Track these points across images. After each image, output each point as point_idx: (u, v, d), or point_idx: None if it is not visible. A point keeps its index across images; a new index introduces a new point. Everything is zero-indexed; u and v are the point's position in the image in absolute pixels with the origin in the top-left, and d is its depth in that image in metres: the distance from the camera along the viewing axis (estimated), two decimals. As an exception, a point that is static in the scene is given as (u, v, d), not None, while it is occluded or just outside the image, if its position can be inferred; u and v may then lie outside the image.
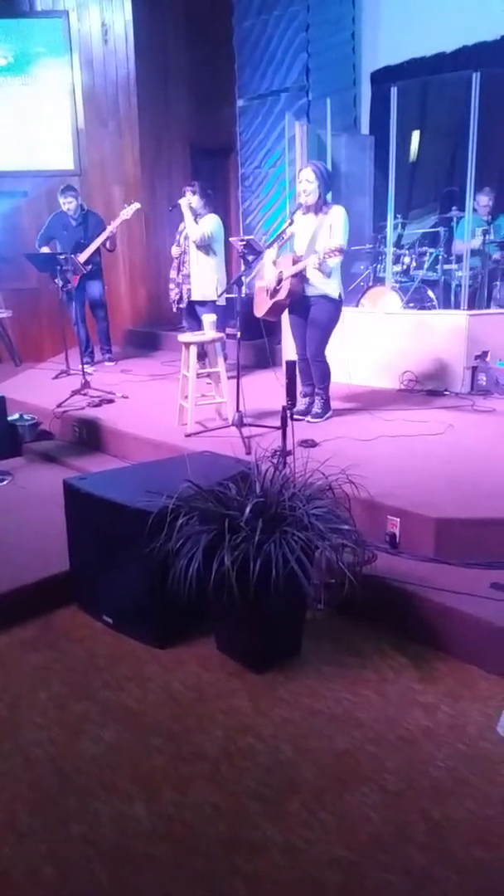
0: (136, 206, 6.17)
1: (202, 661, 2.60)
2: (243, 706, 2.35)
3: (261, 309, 4.51)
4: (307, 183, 4.19)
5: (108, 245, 6.38)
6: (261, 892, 1.68)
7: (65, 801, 1.97)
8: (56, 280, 5.95)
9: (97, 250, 6.36)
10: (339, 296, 4.35)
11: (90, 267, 6.36)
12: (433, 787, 1.99)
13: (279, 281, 4.32)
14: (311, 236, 4.24)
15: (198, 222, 5.58)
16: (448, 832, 1.83)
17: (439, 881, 1.70)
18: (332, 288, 4.30)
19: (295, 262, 4.22)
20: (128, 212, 6.16)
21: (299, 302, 4.35)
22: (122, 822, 1.89)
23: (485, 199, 5.90)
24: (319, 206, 4.23)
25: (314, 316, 4.36)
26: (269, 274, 4.40)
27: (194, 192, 5.59)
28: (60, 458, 4.70)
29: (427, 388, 5.22)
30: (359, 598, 2.40)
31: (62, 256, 5.95)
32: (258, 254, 4.42)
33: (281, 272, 4.30)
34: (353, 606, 2.67)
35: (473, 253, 5.73)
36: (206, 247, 5.63)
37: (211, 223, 5.60)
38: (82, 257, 6.30)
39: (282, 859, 1.77)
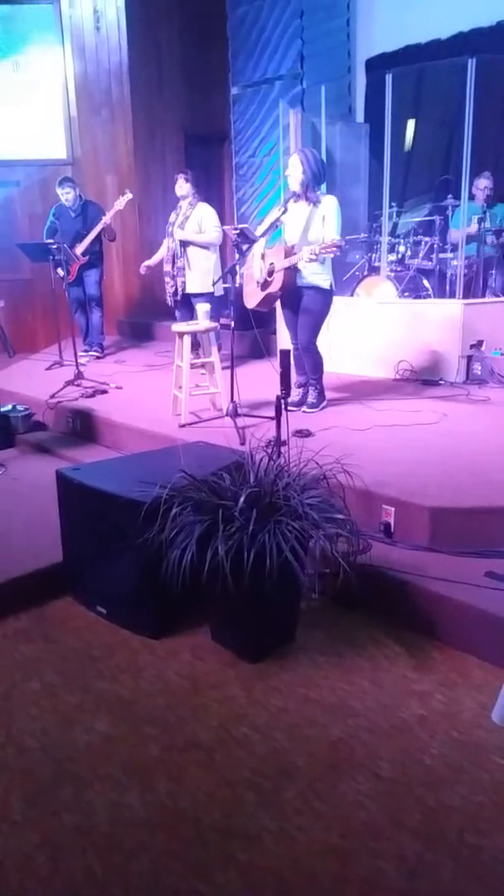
0: (129, 196, 6.14)
1: (196, 651, 2.59)
2: (238, 695, 2.35)
3: (251, 300, 4.48)
4: (292, 167, 4.19)
5: (107, 235, 6.36)
6: (255, 881, 1.68)
7: (58, 790, 1.97)
8: (58, 270, 5.93)
9: (96, 239, 6.33)
10: (330, 286, 4.33)
11: (87, 257, 6.33)
12: (427, 774, 1.99)
13: (271, 273, 4.29)
14: (303, 226, 4.22)
15: (192, 215, 5.52)
16: (442, 819, 1.84)
17: (433, 867, 1.70)
18: (323, 279, 4.27)
19: (287, 253, 4.19)
20: (121, 202, 6.14)
21: (291, 293, 4.33)
22: (116, 812, 1.89)
23: (484, 183, 5.80)
24: (310, 196, 4.19)
25: (305, 306, 4.34)
26: (256, 266, 4.38)
27: (187, 180, 5.56)
28: (54, 449, 4.68)
29: (422, 377, 5.21)
30: (353, 587, 2.40)
31: (55, 246, 5.92)
32: (252, 242, 4.39)
33: (272, 264, 4.27)
34: (348, 595, 2.67)
35: (469, 241, 5.70)
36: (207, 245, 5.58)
37: (213, 222, 5.53)
38: (80, 248, 6.27)
39: (276, 848, 1.77)
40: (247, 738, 2.15)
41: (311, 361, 4.47)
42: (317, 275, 4.23)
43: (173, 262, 5.72)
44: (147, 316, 7.80)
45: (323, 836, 1.80)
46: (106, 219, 6.22)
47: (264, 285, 4.34)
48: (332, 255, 4.10)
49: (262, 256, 4.35)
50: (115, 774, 2.02)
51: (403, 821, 1.84)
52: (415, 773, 1.99)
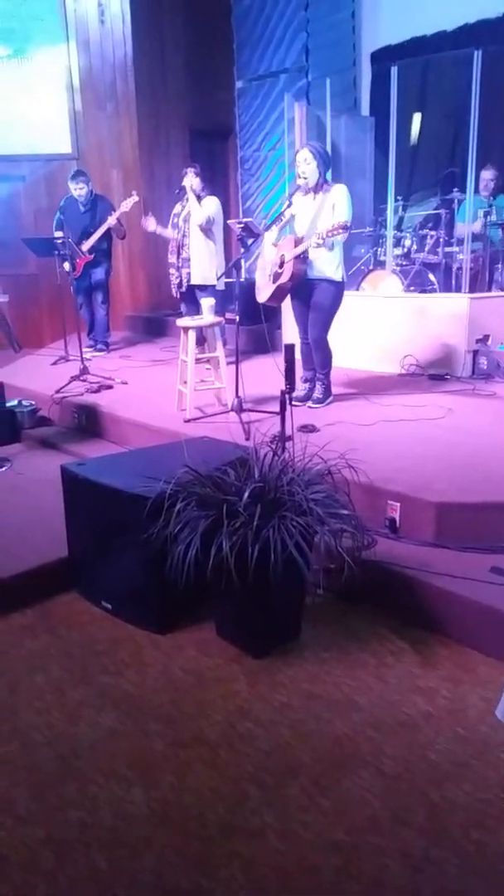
0: (135, 198, 6.09)
1: (201, 647, 2.59)
2: (242, 691, 2.34)
3: (263, 294, 4.45)
4: (305, 164, 4.13)
5: (117, 234, 6.32)
6: (259, 877, 1.68)
7: (63, 785, 1.97)
8: (64, 265, 5.90)
9: (104, 236, 6.30)
10: (342, 278, 4.31)
11: (93, 255, 6.29)
12: (432, 770, 1.98)
13: (281, 264, 4.26)
14: (312, 217, 4.19)
15: (201, 204, 5.52)
16: (447, 815, 1.83)
17: (438, 864, 1.70)
18: (335, 271, 4.25)
19: (297, 243, 4.17)
20: (127, 204, 6.09)
21: (301, 286, 4.30)
22: (121, 807, 1.89)
23: (489, 174, 5.81)
24: (320, 186, 4.17)
25: (317, 299, 4.31)
26: (269, 256, 4.34)
27: (196, 174, 5.53)
28: (59, 445, 4.68)
29: (428, 372, 5.19)
30: (358, 582, 2.39)
31: (60, 241, 5.90)
32: (256, 236, 4.37)
33: (283, 255, 4.25)
34: (353, 591, 2.67)
35: (475, 236, 5.67)
36: (206, 230, 5.57)
37: (213, 205, 5.55)
38: (87, 245, 6.24)
39: (280, 844, 1.77)
40: (251, 734, 2.14)
41: (321, 357, 4.45)
42: (328, 266, 4.20)
43: (178, 254, 5.70)
44: (154, 310, 7.79)
45: (327, 833, 1.79)
46: (111, 221, 6.17)
47: (275, 277, 4.31)
48: (340, 238, 4.07)
49: (274, 246, 4.31)
50: (120, 770, 2.02)
51: (408, 817, 1.83)
52: (419, 770, 1.99)
